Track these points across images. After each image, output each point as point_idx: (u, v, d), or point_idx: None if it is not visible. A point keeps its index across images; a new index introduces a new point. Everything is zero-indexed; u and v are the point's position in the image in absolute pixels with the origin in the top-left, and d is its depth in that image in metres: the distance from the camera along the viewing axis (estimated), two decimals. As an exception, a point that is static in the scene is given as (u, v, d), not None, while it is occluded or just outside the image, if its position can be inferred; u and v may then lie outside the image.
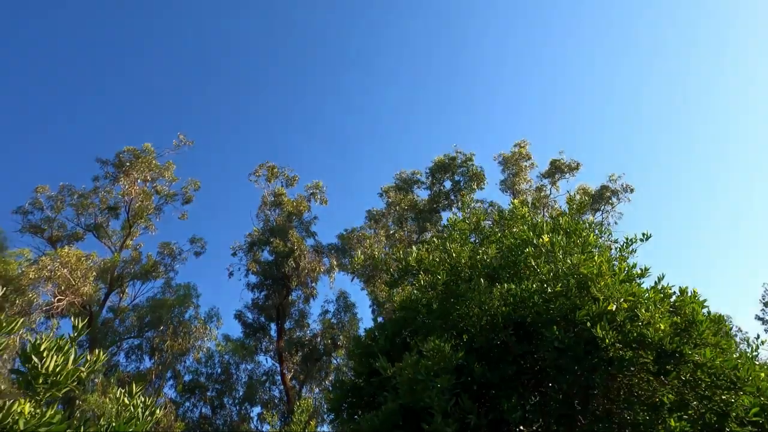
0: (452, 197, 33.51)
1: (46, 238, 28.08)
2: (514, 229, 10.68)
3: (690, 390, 7.05)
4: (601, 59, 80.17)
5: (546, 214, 30.66)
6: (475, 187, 33.19)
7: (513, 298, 8.34)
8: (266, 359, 30.40)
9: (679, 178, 76.88)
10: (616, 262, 9.00)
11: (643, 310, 7.09)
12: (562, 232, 9.62)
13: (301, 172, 34.26)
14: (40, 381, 4.25)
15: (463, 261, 9.37)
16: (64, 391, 4.47)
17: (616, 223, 31.16)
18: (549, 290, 8.16)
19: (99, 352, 4.99)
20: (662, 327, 6.89)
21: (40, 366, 4.27)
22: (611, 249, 9.98)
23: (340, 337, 28.51)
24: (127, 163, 28.83)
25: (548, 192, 32.57)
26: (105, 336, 26.00)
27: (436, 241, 10.22)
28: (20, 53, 60.03)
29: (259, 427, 27.38)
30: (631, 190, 31.23)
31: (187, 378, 27.46)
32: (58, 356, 4.40)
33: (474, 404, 7.09)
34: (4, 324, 4.45)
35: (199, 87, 76.66)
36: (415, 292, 8.92)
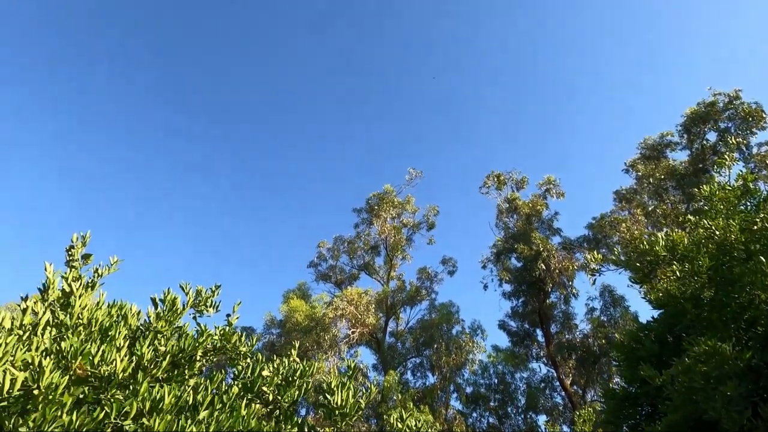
0: (722, 149, 28.23)
1: (333, 282, 35.27)
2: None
3: None
4: None
5: None
6: (754, 128, 27.33)
7: (819, 273, 6.91)
8: (539, 366, 30.67)
9: None
10: None
11: None
12: None
13: (530, 173, 34.17)
14: (337, 413, 5.84)
15: (732, 237, 8.27)
16: (354, 419, 6.00)
17: None
18: None
19: (371, 385, 6.55)
20: None
21: (331, 402, 5.84)
22: None
23: (615, 335, 26.71)
24: (376, 207, 34.11)
25: None
26: (392, 358, 30.71)
27: (693, 219, 9.21)
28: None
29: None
30: None
31: (468, 390, 29.91)
32: (343, 392, 5.90)
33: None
34: (307, 369, 6.36)
35: (417, 117, 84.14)
36: (673, 284, 8.16)
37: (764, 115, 26.15)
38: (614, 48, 74.54)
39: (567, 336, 29.77)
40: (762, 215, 8.36)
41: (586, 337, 28.84)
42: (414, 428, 6.75)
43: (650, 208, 29.80)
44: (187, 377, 5.74)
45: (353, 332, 29.22)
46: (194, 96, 77.84)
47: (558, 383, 29.13)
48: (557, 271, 28.71)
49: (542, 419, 28.83)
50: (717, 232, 8.20)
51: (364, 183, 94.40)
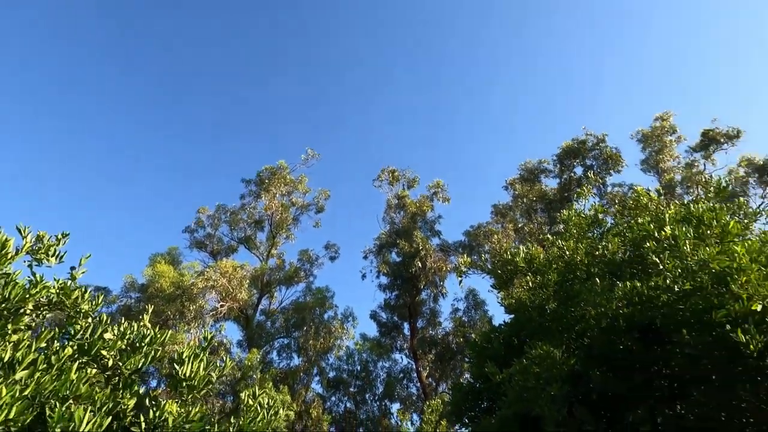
0: (584, 183, 31.89)
1: (208, 252, 33.46)
2: (639, 220, 10.14)
3: None
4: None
5: (702, 192, 27.47)
6: (611, 170, 31.29)
7: (638, 298, 7.95)
8: (402, 357, 32.18)
9: None
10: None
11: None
12: (693, 222, 9.00)
13: (423, 174, 35.47)
14: (184, 385, 5.51)
15: (578, 258, 9.36)
16: (202, 393, 5.68)
17: (799, 196, 26.60)
18: (677, 288, 7.64)
19: (227, 359, 6.34)
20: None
21: (179, 372, 5.48)
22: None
23: (472, 335, 28.98)
24: (266, 180, 32.97)
25: (702, 167, 29.07)
26: (260, 336, 30.06)
27: (551, 238, 10.30)
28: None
29: (399, 423, 29.15)
30: (818, 156, 26.32)
31: (331, 375, 30.39)
32: (194, 364, 5.57)
33: (592, 415, 6.93)
34: (159, 336, 5.95)
35: (321, 100, 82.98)
36: (526, 294, 9.10)
37: (621, 160, 30.06)
38: (515, 70, 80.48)
39: (431, 332, 31.58)
40: (604, 243, 9.58)
41: (447, 335, 30.86)
42: (265, 406, 6.64)
43: (520, 225, 32.74)
44: (10, 332, 5.00)
45: (222, 306, 28.03)
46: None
47: (415, 375, 30.82)
48: (432, 270, 30.28)
49: (396, 407, 30.36)
50: (567, 252, 9.22)
51: (259, 157, 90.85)
